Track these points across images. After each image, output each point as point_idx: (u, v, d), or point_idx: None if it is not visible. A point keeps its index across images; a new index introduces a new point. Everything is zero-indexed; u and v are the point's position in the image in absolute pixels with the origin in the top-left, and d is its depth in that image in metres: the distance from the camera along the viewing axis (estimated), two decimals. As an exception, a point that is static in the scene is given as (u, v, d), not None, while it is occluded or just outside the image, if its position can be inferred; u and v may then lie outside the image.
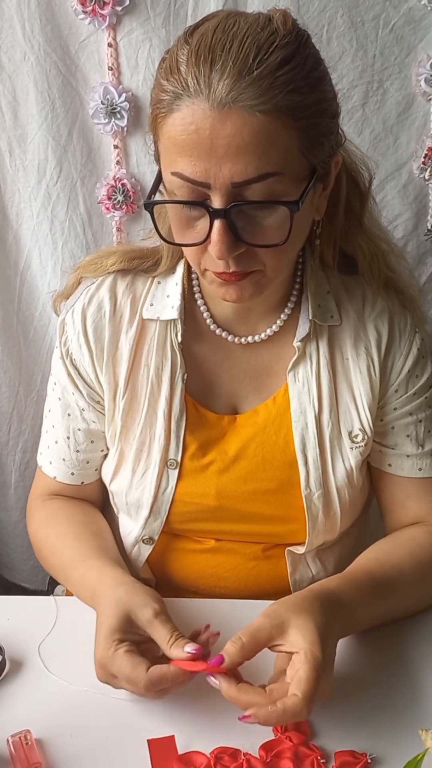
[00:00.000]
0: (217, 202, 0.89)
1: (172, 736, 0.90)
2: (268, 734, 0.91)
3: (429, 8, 1.33)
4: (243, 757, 0.88)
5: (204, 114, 0.86)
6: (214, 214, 0.89)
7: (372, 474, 1.20)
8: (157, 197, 0.97)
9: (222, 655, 0.88)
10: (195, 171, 0.88)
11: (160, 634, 0.92)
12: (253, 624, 0.90)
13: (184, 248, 1.00)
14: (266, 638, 0.89)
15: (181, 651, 0.89)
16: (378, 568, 1.04)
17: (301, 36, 0.91)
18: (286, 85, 0.86)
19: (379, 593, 1.01)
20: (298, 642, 0.87)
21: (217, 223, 0.89)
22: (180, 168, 0.89)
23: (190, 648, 0.89)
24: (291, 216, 0.90)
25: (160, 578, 1.22)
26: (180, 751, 0.89)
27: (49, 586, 1.71)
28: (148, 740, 0.89)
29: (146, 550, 1.18)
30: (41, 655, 1.02)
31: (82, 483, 1.21)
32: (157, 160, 0.96)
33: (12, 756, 0.88)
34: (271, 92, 0.85)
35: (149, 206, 0.96)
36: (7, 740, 0.89)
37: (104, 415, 1.15)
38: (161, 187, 0.96)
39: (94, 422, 1.16)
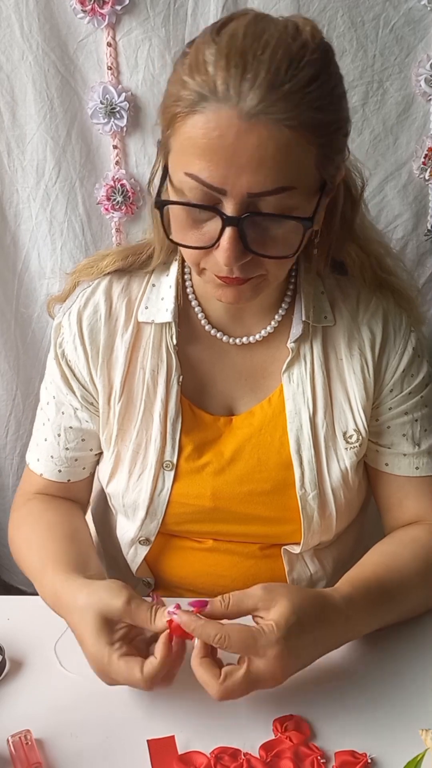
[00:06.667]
0: (230, 210, 0.88)
1: (172, 736, 0.90)
2: (268, 734, 0.90)
3: (429, 8, 1.34)
4: (243, 757, 0.88)
5: (230, 121, 0.84)
6: (228, 221, 0.88)
7: (369, 473, 1.20)
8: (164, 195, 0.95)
9: (207, 600, 0.90)
10: (212, 176, 0.86)
11: (139, 618, 0.90)
12: (247, 590, 0.91)
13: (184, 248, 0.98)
14: (252, 606, 0.90)
15: (163, 620, 0.89)
16: (386, 574, 1.03)
17: (328, 51, 0.90)
18: (314, 102, 0.85)
19: (386, 600, 1.01)
20: (275, 615, 0.88)
21: (228, 230, 0.88)
22: (196, 170, 0.87)
23: (171, 609, 0.90)
24: (303, 231, 0.91)
25: (158, 578, 1.22)
26: (180, 751, 0.88)
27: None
28: (148, 740, 0.89)
29: (143, 551, 1.18)
30: (57, 653, 1.02)
31: (69, 481, 1.21)
32: (164, 153, 0.93)
33: (12, 756, 0.88)
34: (300, 108, 0.84)
35: (161, 205, 0.94)
36: (7, 740, 0.89)
37: (98, 416, 1.15)
38: (167, 184, 0.94)
39: (87, 421, 1.16)
